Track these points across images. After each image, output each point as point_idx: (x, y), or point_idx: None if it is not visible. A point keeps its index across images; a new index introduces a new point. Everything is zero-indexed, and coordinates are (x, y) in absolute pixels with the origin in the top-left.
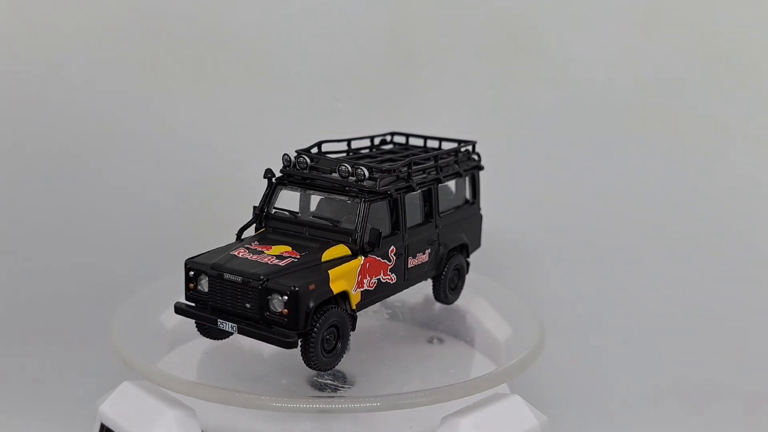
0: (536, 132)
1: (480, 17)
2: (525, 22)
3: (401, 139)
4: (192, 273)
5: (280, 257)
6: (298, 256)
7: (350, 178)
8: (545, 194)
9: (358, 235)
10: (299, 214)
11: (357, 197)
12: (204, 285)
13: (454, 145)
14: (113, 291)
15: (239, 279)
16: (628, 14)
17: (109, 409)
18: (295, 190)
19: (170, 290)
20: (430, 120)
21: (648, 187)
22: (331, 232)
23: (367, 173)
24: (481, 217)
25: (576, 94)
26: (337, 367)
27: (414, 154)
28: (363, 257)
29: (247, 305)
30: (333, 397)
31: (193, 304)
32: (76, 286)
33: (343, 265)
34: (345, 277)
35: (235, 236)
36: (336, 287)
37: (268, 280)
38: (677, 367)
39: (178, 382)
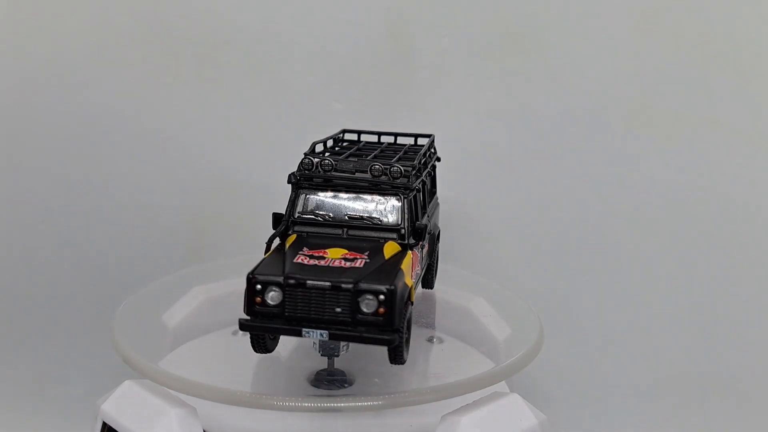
0: (536, 132)
1: (480, 18)
2: (525, 22)
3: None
4: (259, 286)
5: (347, 259)
6: (366, 257)
7: (381, 176)
8: (545, 194)
9: (405, 230)
10: (331, 216)
11: (394, 195)
12: (274, 297)
13: (411, 139)
14: (115, 290)
15: (327, 284)
16: (627, 15)
17: (110, 408)
18: (318, 193)
19: (172, 289)
20: (430, 120)
21: (647, 185)
22: (373, 230)
23: (403, 171)
24: (438, 205)
25: (576, 95)
26: (336, 366)
27: (393, 150)
28: (410, 251)
29: (338, 309)
30: (333, 396)
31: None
32: (77, 285)
33: (405, 260)
34: (408, 273)
35: (265, 244)
36: (408, 282)
37: (359, 282)
38: (676, 364)
39: (180, 381)
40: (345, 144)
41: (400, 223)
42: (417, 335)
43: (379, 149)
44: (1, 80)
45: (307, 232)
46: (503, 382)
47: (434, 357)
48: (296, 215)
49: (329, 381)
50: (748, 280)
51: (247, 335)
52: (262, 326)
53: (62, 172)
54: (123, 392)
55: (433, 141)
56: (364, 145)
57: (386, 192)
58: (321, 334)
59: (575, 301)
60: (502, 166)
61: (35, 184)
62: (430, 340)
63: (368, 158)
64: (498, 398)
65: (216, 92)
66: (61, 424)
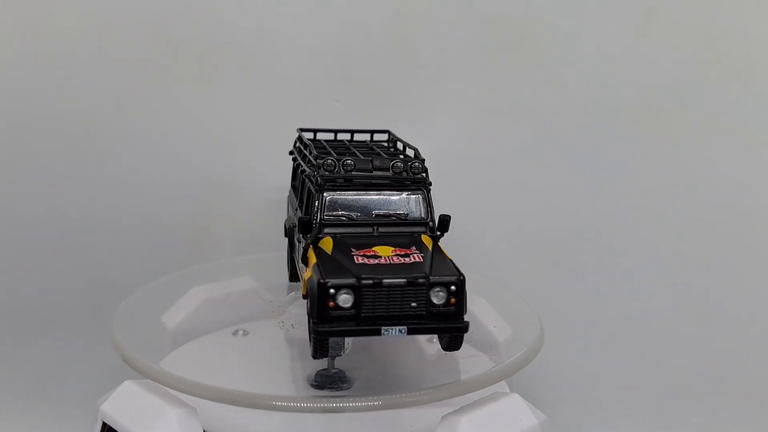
0: (536, 131)
1: (480, 17)
2: (525, 22)
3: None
4: (332, 290)
5: (401, 255)
6: (416, 251)
7: (402, 173)
8: (546, 194)
9: (433, 223)
10: (359, 215)
11: (418, 189)
12: (347, 300)
13: (368, 135)
14: (115, 289)
15: (403, 281)
16: (628, 15)
17: (110, 408)
18: (342, 194)
19: (172, 289)
20: (430, 119)
21: (648, 184)
22: (402, 226)
23: (423, 166)
24: None
25: (576, 94)
26: (336, 366)
27: (379, 146)
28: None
29: (413, 304)
30: (333, 396)
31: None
32: (77, 285)
33: (444, 251)
34: None
35: (303, 249)
36: None
37: (430, 275)
38: (676, 365)
39: (180, 381)
40: (298, 145)
41: (426, 216)
42: (417, 335)
43: (355, 147)
44: (0, 79)
45: (340, 234)
46: (503, 382)
47: (434, 357)
48: (324, 217)
49: (329, 381)
50: (749, 280)
51: (248, 336)
52: (342, 330)
53: (62, 172)
54: (123, 392)
55: (389, 135)
56: (327, 143)
57: (409, 187)
58: (400, 331)
59: (575, 301)
60: (502, 165)
61: (34, 184)
62: (430, 339)
63: (359, 156)
64: (498, 398)
65: (216, 92)
66: (61, 424)
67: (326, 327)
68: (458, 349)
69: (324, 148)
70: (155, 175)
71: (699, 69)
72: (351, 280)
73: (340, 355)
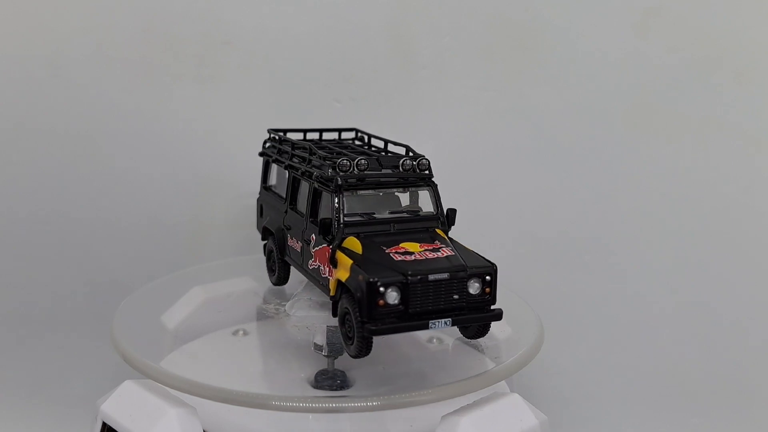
0: (536, 131)
1: (480, 17)
2: (525, 22)
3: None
4: (382, 289)
5: (430, 250)
6: (443, 245)
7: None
8: (545, 194)
9: (443, 217)
10: (375, 214)
11: (427, 186)
12: (393, 297)
13: (336, 134)
14: (115, 289)
15: (446, 275)
16: (628, 15)
17: (110, 408)
18: (357, 193)
19: (171, 289)
20: (430, 119)
21: (648, 184)
22: (416, 222)
23: (428, 163)
24: None
25: (576, 95)
26: (336, 367)
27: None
28: None
29: (455, 296)
30: (333, 396)
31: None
32: (77, 284)
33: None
34: None
35: (331, 251)
36: None
37: (467, 268)
38: (676, 365)
39: (180, 380)
40: (269, 145)
41: (437, 211)
42: (417, 336)
43: (340, 146)
44: (0, 79)
45: (364, 233)
46: (503, 382)
47: (434, 357)
48: (344, 218)
49: (329, 381)
50: (749, 280)
51: (248, 336)
52: (393, 327)
53: (62, 171)
54: (123, 392)
55: (356, 134)
56: (301, 143)
57: (418, 184)
58: (445, 323)
59: (575, 301)
60: (502, 165)
61: (34, 184)
62: (430, 340)
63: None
64: (498, 398)
65: (215, 92)
66: (61, 424)
67: (376, 325)
68: (484, 336)
69: (309, 148)
70: (155, 175)
71: (698, 69)
72: (399, 278)
73: (342, 354)
